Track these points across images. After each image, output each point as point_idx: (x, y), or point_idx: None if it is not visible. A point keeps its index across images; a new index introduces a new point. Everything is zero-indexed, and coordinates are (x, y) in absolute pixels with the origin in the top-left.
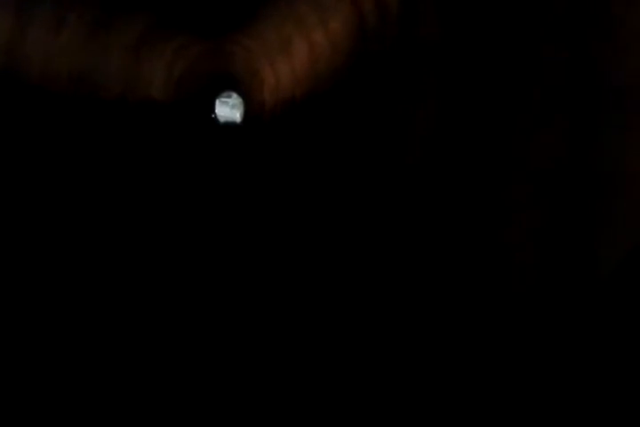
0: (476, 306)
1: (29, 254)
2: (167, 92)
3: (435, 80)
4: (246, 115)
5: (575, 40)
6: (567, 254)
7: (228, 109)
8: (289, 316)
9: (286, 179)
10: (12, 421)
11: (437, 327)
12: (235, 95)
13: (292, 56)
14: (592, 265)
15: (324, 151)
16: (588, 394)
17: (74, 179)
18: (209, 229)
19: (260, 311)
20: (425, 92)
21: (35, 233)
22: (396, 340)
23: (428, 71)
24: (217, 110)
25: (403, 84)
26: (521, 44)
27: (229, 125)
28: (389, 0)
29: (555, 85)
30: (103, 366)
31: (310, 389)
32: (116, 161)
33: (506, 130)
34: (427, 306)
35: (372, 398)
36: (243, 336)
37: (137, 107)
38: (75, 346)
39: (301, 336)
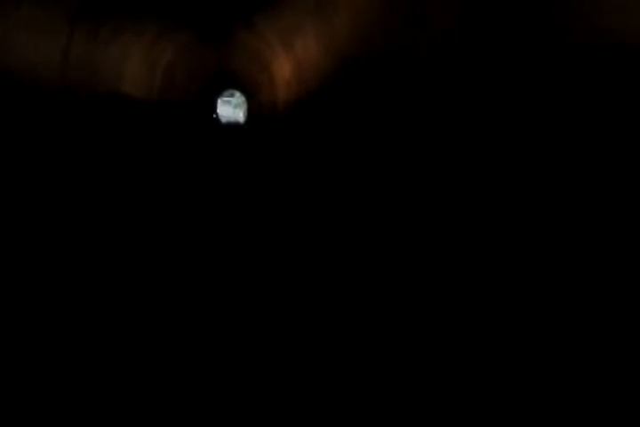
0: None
1: (19, 254)
2: (147, 89)
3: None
4: (250, 114)
5: None
6: None
7: (231, 109)
8: (289, 315)
9: (292, 185)
10: (11, 421)
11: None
12: (238, 94)
13: (313, 42)
14: None
15: (336, 155)
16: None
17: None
18: (210, 231)
19: (260, 311)
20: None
21: (15, 233)
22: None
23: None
24: (218, 110)
25: (409, 84)
26: None
27: (232, 126)
28: None
29: None
30: (103, 365)
31: (310, 388)
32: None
33: None
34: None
35: (372, 399)
36: (242, 336)
37: (100, 106)
38: (75, 346)
39: (301, 336)
